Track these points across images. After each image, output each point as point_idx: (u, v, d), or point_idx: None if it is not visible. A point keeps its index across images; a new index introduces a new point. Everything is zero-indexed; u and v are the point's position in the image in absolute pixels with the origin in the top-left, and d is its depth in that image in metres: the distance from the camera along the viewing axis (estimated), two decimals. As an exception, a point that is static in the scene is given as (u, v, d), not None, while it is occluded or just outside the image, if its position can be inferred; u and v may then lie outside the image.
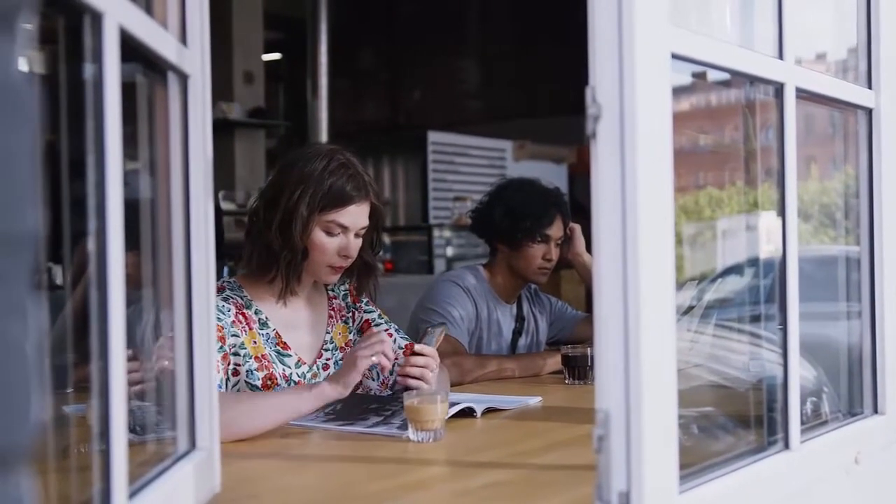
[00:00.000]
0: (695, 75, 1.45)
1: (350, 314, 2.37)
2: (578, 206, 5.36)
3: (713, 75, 1.52)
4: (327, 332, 2.30)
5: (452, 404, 1.99)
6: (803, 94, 1.55)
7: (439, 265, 7.18)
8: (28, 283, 0.60)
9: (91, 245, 1.00)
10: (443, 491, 1.54)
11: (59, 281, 1.87)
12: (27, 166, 0.58)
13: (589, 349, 2.61)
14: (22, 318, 0.58)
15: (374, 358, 1.96)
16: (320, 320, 2.30)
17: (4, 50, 0.57)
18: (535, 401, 2.30)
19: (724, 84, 1.67)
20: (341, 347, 2.31)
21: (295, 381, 2.18)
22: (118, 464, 1.01)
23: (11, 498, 0.58)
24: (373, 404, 2.10)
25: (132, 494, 1.09)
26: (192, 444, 1.37)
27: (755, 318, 1.86)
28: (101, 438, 1.02)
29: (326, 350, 2.28)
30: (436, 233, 7.36)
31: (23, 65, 0.59)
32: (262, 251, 2.17)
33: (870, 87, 1.78)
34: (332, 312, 2.34)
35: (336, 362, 2.27)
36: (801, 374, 1.54)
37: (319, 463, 1.73)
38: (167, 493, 1.21)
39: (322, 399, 1.96)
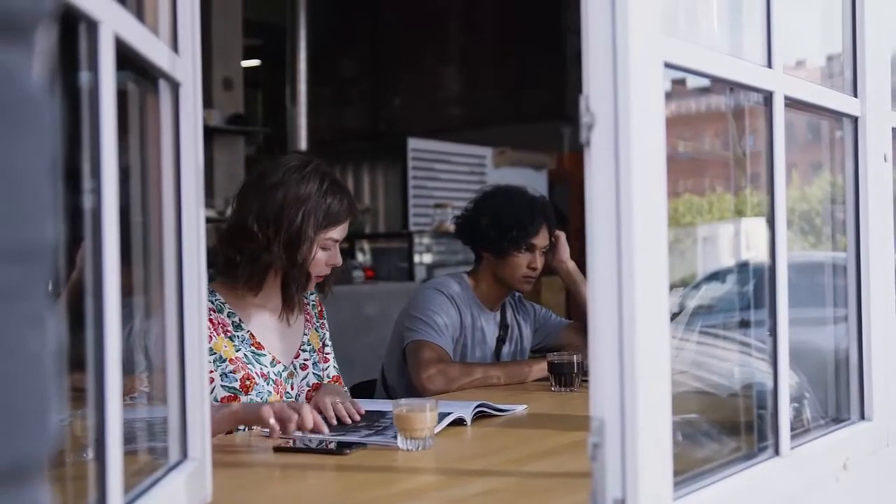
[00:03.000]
0: (675, 82, 1.45)
1: (320, 324, 2.46)
2: (558, 213, 5.37)
3: (693, 82, 1.53)
4: (304, 334, 2.38)
5: (442, 415, 1.98)
6: (790, 103, 1.56)
7: (420, 272, 7.17)
8: (46, 293, 0.59)
9: (86, 252, 1.00)
10: (437, 499, 1.54)
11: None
12: (46, 177, 0.58)
13: (575, 356, 2.61)
14: (41, 328, 0.57)
15: (272, 422, 1.87)
16: (297, 322, 2.37)
17: (22, 61, 0.57)
18: (521, 409, 2.30)
19: (705, 91, 1.68)
20: (317, 350, 2.40)
21: (273, 380, 2.23)
22: (113, 474, 1.00)
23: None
24: (362, 421, 2.09)
25: (126, 505, 1.08)
26: (184, 454, 1.36)
27: (740, 325, 1.87)
28: (95, 448, 1.01)
29: (304, 350, 2.36)
30: (416, 240, 7.34)
31: (41, 75, 0.59)
32: (258, 268, 2.20)
33: (855, 96, 1.80)
34: (308, 317, 2.41)
35: (314, 363, 2.36)
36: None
37: (310, 472, 1.72)
38: (160, 503, 1.20)
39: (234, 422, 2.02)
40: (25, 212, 0.57)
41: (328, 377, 2.36)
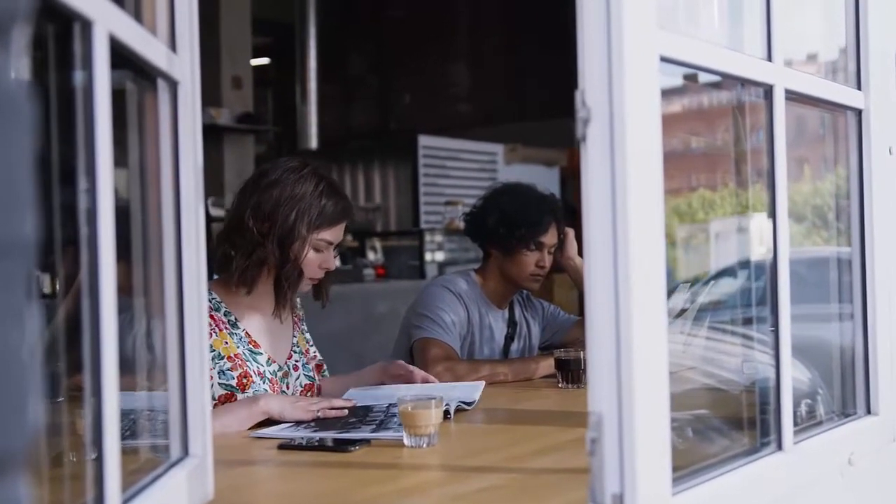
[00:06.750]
0: (686, 77, 1.45)
1: (304, 326, 2.50)
2: (570, 209, 5.37)
3: (704, 77, 1.53)
4: (294, 336, 2.43)
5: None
6: (792, 96, 1.56)
7: (431, 270, 7.16)
8: (25, 289, 0.60)
9: (83, 253, 1.00)
10: (439, 495, 1.53)
11: (46, 289, 1.87)
12: (24, 173, 0.58)
13: (582, 352, 2.60)
14: (19, 323, 0.58)
15: (318, 413, 2.08)
16: (287, 325, 2.42)
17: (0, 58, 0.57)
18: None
19: (716, 86, 1.68)
20: (304, 353, 2.44)
21: (269, 378, 2.27)
22: (111, 471, 1.01)
23: (8, 502, 0.58)
24: (351, 418, 2.09)
25: (125, 502, 1.09)
26: (185, 452, 1.36)
27: (748, 321, 1.86)
28: (93, 446, 1.01)
29: (295, 352, 2.41)
30: (427, 237, 7.33)
31: (19, 73, 0.59)
32: (251, 263, 2.24)
33: (859, 88, 1.79)
34: (296, 320, 2.47)
35: (304, 364, 2.41)
36: (795, 376, 1.54)
37: (313, 469, 1.72)
38: (160, 500, 1.21)
39: (261, 415, 2.06)
40: (4, 207, 0.57)
41: (300, 386, 2.38)
